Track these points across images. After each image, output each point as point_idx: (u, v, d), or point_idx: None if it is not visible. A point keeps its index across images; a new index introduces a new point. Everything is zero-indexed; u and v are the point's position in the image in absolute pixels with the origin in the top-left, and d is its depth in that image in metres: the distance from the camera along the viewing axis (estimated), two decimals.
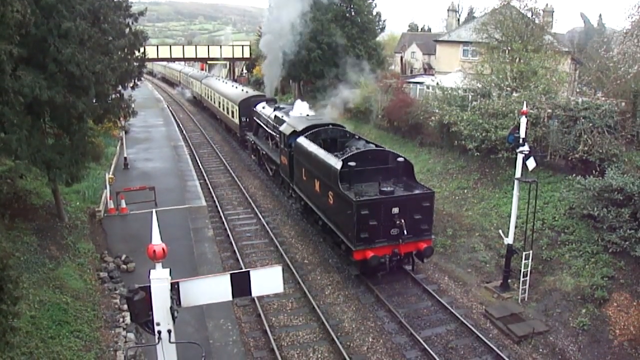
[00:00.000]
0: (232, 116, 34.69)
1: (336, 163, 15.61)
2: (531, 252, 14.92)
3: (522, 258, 14.79)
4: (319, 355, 12.54)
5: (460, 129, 21.09)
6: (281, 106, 26.91)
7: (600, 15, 74.58)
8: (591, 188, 15.32)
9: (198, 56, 58.31)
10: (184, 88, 60.68)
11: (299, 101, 26.20)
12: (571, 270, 14.89)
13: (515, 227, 15.27)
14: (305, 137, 19.22)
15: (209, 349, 12.27)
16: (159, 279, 4.92)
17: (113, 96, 16.80)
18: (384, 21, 45.88)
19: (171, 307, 4.96)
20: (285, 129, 21.57)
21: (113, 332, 12.37)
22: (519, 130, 14.33)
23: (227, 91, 37.33)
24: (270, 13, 30.19)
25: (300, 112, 23.86)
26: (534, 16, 26.12)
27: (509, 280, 15.47)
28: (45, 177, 15.35)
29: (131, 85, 18.67)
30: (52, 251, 14.66)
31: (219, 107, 39.34)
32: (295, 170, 20.44)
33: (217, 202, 23.17)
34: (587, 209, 15.45)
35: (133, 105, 17.88)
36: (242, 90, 35.60)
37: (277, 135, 23.36)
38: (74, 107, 13.64)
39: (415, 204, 15.01)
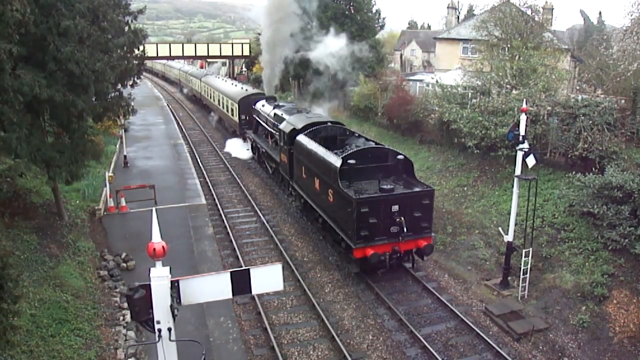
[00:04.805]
0: (232, 114, 34.62)
1: (336, 161, 15.61)
2: (531, 249, 14.94)
3: (522, 255, 14.80)
4: (319, 353, 12.56)
5: (459, 127, 21.09)
6: (281, 104, 26.86)
7: (600, 12, 74.39)
8: (591, 185, 15.33)
9: (197, 54, 58.13)
10: (181, 84, 63.18)
11: None
12: (571, 268, 14.91)
13: (515, 224, 15.28)
14: (305, 134, 19.20)
15: (209, 347, 12.28)
16: (159, 277, 4.93)
17: (112, 94, 16.79)
18: (384, 19, 45.68)
19: (171, 305, 4.96)
20: (285, 126, 21.55)
21: (113, 330, 12.38)
22: (518, 127, 14.34)
23: (227, 89, 37.24)
24: (270, 15, 30.09)
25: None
26: (533, 13, 26.10)
27: (509, 278, 15.49)
28: (45, 175, 15.36)
29: (130, 83, 18.67)
30: (52, 249, 14.67)
31: (219, 105, 39.27)
32: (295, 168, 20.42)
33: (217, 200, 23.17)
34: (587, 206, 15.46)
35: (132, 104, 17.87)
36: (242, 88, 35.52)
37: (277, 133, 23.35)
38: (74, 106, 13.64)
39: (415, 202, 15.01)
